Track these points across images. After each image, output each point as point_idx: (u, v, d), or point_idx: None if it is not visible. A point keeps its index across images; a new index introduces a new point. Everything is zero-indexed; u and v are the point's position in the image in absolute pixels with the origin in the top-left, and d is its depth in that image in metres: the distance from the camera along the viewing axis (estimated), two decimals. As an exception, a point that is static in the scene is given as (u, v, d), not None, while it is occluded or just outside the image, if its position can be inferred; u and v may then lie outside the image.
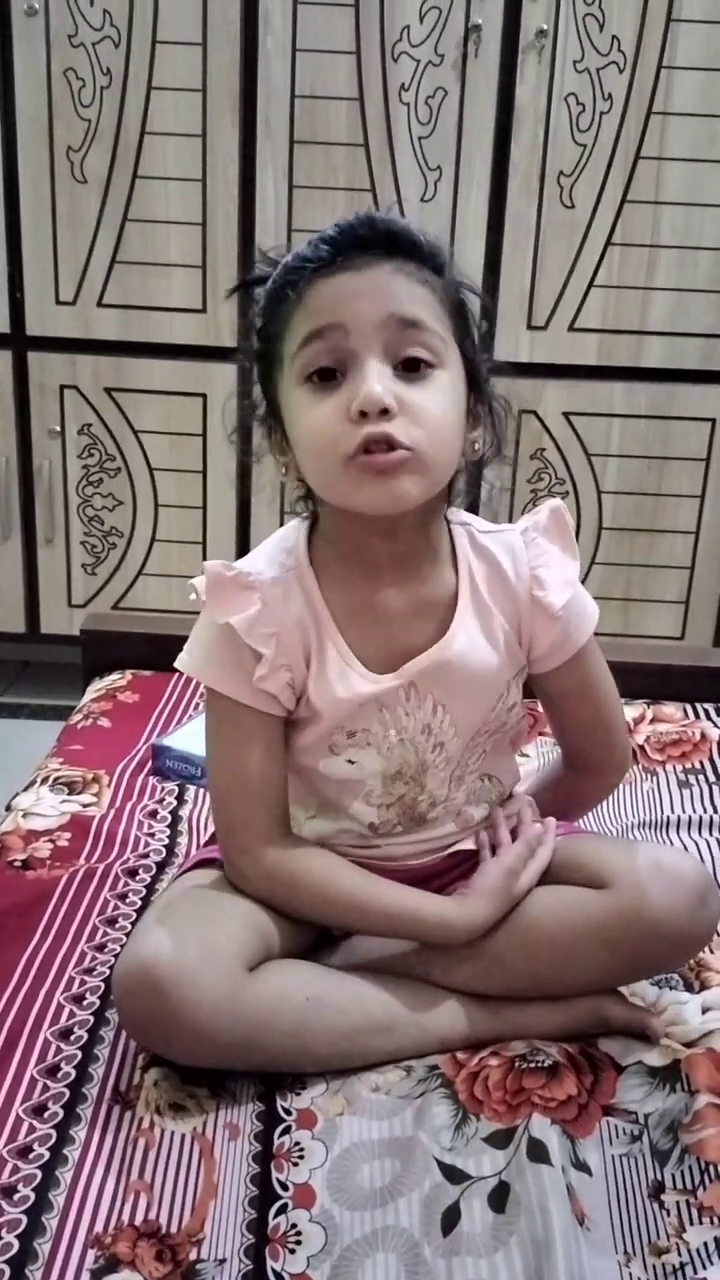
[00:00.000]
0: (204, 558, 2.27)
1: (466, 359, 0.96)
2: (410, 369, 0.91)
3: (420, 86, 2.04)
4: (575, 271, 2.12)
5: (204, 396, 2.20)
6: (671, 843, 1.28)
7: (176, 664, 1.02)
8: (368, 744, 1.02)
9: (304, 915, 1.02)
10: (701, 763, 1.46)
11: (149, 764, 1.47)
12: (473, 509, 1.09)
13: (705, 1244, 0.83)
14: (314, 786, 1.06)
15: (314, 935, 1.05)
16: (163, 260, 2.14)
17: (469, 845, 1.08)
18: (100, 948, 1.11)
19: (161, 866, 1.25)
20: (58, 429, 2.24)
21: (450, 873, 1.09)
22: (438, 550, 1.01)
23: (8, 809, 1.36)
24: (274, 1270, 0.81)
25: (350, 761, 1.02)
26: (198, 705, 1.59)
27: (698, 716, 1.58)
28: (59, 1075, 0.96)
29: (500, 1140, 0.89)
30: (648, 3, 1.99)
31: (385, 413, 0.88)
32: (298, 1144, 0.91)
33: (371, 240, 0.91)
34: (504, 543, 1.03)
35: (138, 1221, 0.84)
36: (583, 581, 1.06)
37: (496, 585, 1.02)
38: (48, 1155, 0.89)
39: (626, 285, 2.13)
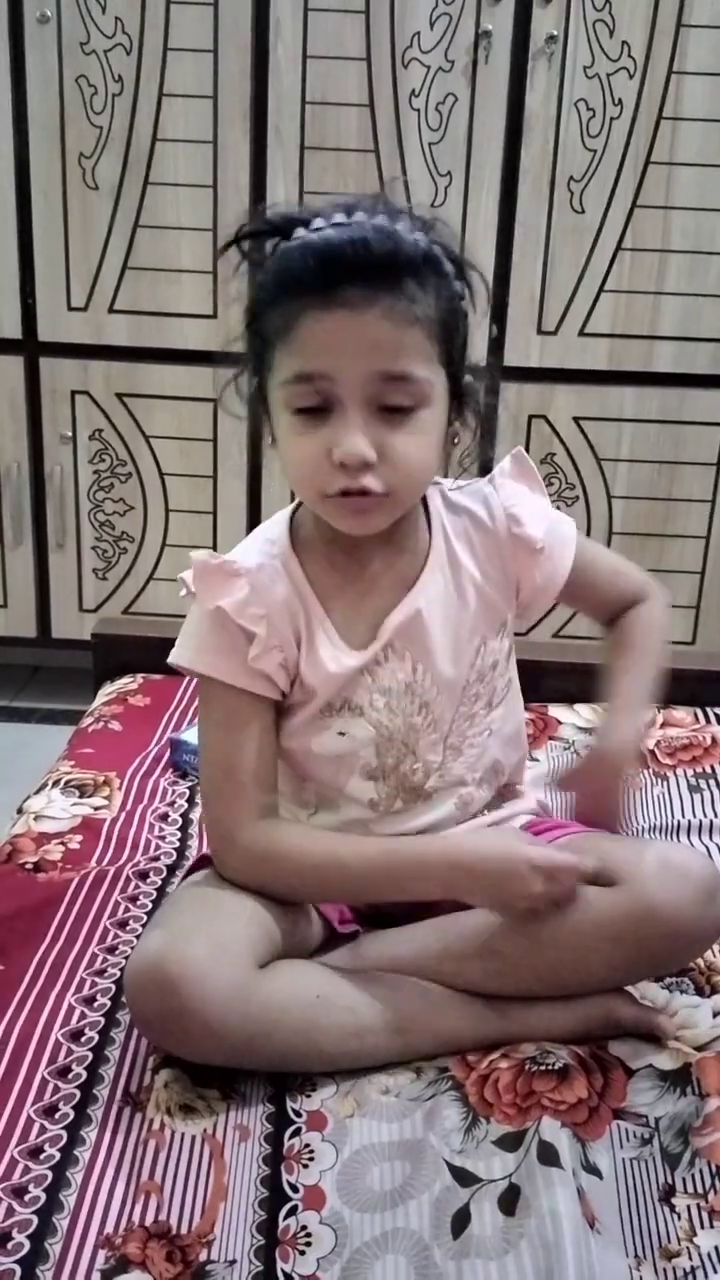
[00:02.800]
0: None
1: (451, 376, 0.98)
2: (394, 409, 0.94)
3: (430, 92, 2.04)
4: (585, 276, 2.13)
5: (215, 402, 2.19)
6: (681, 844, 1.28)
7: (170, 659, 1.04)
8: (357, 713, 1.04)
9: (291, 890, 1.02)
10: (712, 767, 1.45)
11: (160, 766, 1.47)
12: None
13: (716, 1248, 0.82)
14: (310, 771, 1.07)
15: (322, 937, 1.06)
16: (174, 266, 2.15)
17: None
18: (111, 950, 1.12)
19: (172, 869, 1.25)
20: (69, 434, 2.25)
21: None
22: (415, 520, 1.05)
23: (19, 812, 1.37)
24: (284, 1272, 0.81)
25: (341, 733, 1.04)
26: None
27: (708, 721, 1.58)
28: (70, 1076, 0.97)
29: (510, 1143, 0.89)
30: (658, 8, 1.99)
31: (366, 462, 0.92)
32: (308, 1146, 0.91)
33: (369, 266, 0.91)
34: (474, 492, 1.08)
35: (148, 1222, 0.84)
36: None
37: (475, 534, 1.06)
38: (58, 1156, 0.89)
39: (637, 290, 2.13)
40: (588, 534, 2.23)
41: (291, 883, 1.02)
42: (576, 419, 2.20)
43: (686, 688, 1.63)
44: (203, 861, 1.08)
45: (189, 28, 2.03)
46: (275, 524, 1.07)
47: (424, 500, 1.06)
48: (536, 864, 0.96)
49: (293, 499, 1.07)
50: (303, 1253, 0.83)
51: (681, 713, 1.59)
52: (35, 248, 2.15)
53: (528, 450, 2.23)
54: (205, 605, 1.01)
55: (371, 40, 2.03)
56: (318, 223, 0.94)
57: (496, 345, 2.11)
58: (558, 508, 1.13)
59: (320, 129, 2.07)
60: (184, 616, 1.07)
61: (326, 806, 1.08)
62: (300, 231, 0.95)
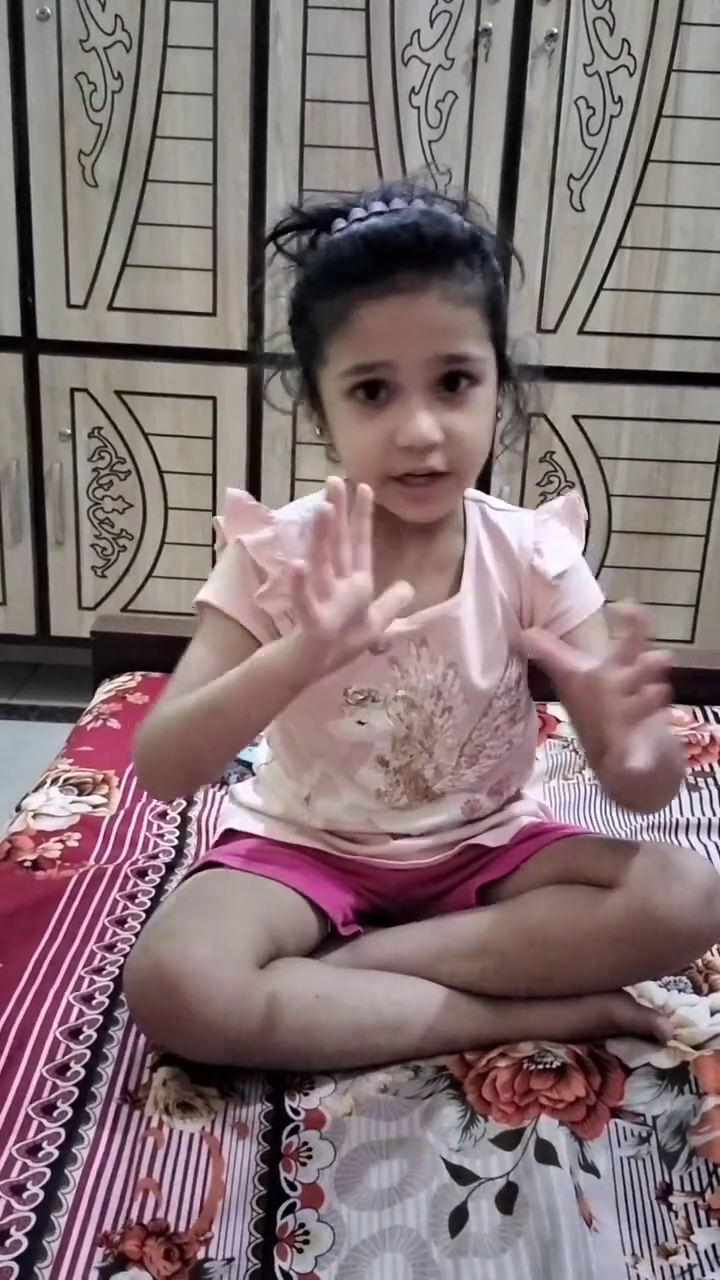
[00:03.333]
0: (213, 561, 2.28)
1: (499, 353, 0.98)
2: (451, 387, 0.94)
3: (430, 90, 2.04)
4: (585, 275, 2.13)
5: (214, 400, 2.20)
6: (680, 845, 1.28)
7: (196, 598, 1.05)
8: (379, 705, 1.03)
9: (175, 750, 0.97)
10: (710, 765, 1.45)
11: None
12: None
13: (713, 1246, 0.83)
14: (322, 750, 1.07)
15: (322, 936, 1.06)
16: (173, 264, 2.14)
17: (480, 840, 1.08)
18: (109, 948, 1.12)
19: (171, 867, 1.26)
20: (68, 432, 2.24)
21: (460, 872, 1.09)
22: (454, 515, 1.05)
23: (18, 809, 1.37)
24: (282, 1269, 0.81)
25: (360, 723, 1.04)
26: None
27: (707, 720, 1.58)
28: (68, 1074, 0.97)
29: (508, 1141, 0.89)
30: (658, 6, 1.99)
31: (432, 444, 0.93)
32: (306, 1144, 0.91)
33: (422, 250, 0.91)
34: (514, 519, 1.08)
35: (146, 1220, 0.84)
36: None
37: (500, 556, 1.06)
38: (57, 1154, 0.89)
39: (636, 289, 2.13)
40: (587, 533, 2.22)
41: (178, 735, 0.96)
42: (576, 417, 2.20)
43: (684, 686, 1.62)
44: (209, 864, 1.08)
45: (189, 25, 2.03)
46: (318, 496, 1.07)
47: (464, 508, 1.06)
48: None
49: (293, 498, 1.08)
50: (300, 1250, 0.83)
51: (679, 711, 1.59)
52: (35, 245, 2.15)
53: (527, 449, 2.24)
54: (228, 538, 1.03)
55: (371, 38, 2.02)
56: (358, 213, 0.95)
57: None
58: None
59: (320, 126, 2.07)
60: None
61: (326, 793, 1.08)
62: (340, 223, 0.95)
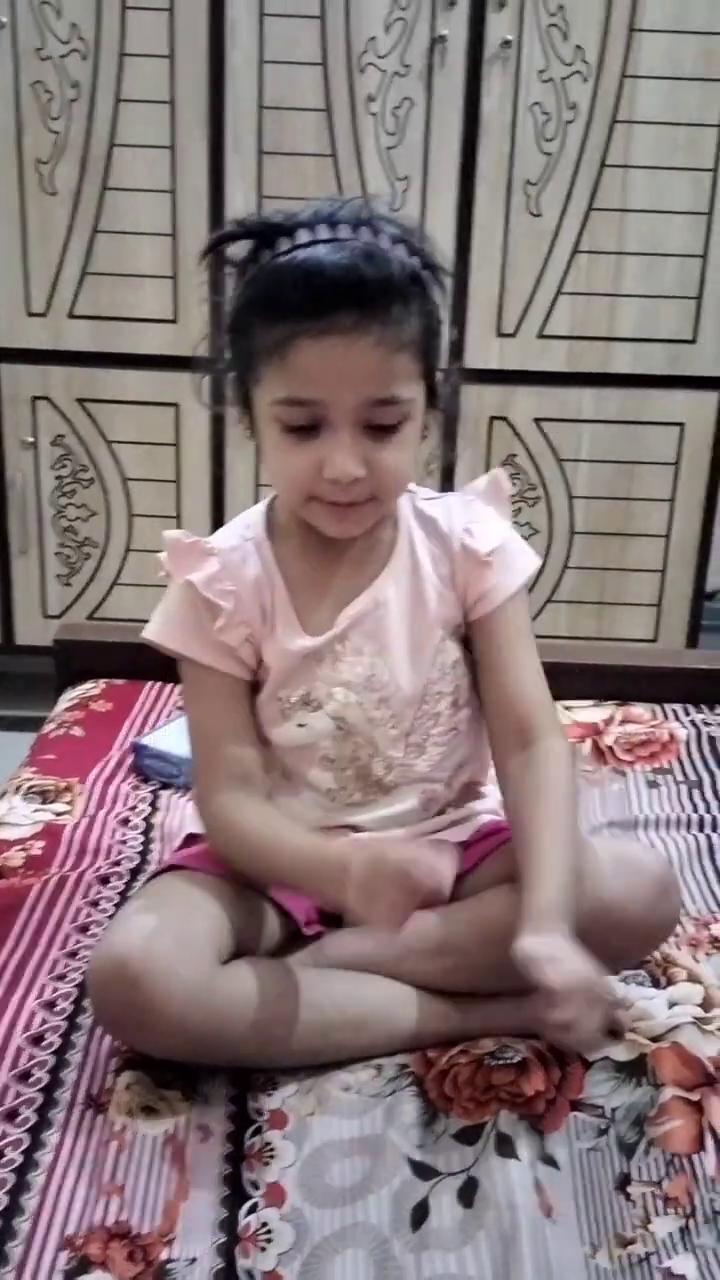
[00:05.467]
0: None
1: (429, 386, 1.00)
2: (381, 424, 0.97)
3: (387, 97, 2.06)
4: (543, 279, 2.14)
5: (176, 406, 2.21)
6: (637, 840, 1.29)
7: (143, 634, 1.08)
8: (315, 706, 1.05)
9: (241, 866, 1.04)
10: (670, 763, 1.47)
11: (122, 771, 1.47)
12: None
13: (670, 1234, 0.84)
14: (274, 757, 1.09)
15: (285, 934, 1.07)
16: (133, 271, 2.15)
17: (440, 837, 1.09)
18: (73, 954, 1.12)
19: (134, 873, 1.26)
20: (30, 440, 2.24)
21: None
22: (386, 520, 1.08)
23: (-19, 818, 1.36)
24: (245, 1268, 0.82)
25: (300, 725, 1.06)
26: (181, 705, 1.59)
27: (666, 717, 1.60)
28: (31, 1080, 0.97)
29: (469, 1136, 0.90)
30: (610, 12, 2.01)
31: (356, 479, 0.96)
32: (269, 1144, 0.92)
33: (362, 294, 0.92)
34: (443, 505, 1.10)
35: (109, 1223, 0.84)
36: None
37: (432, 539, 1.08)
38: (20, 1159, 0.89)
39: (594, 292, 2.15)
40: (550, 535, 2.25)
41: (240, 858, 1.04)
42: (537, 420, 2.21)
43: (644, 685, 1.66)
44: (172, 867, 1.08)
45: (145, 33, 2.03)
46: (253, 511, 1.11)
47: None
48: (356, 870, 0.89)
49: (257, 500, 1.09)
50: (263, 1249, 0.84)
51: (640, 709, 1.61)
52: (-6, 254, 2.15)
53: (489, 452, 2.25)
54: (176, 579, 1.05)
55: (327, 45, 2.04)
56: (302, 235, 0.94)
57: (456, 348, 2.12)
58: (520, 509, 1.15)
59: (277, 134, 2.08)
60: (149, 622, 1.09)
61: (286, 791, 1.09)
62: (284, 242, 0.95)
